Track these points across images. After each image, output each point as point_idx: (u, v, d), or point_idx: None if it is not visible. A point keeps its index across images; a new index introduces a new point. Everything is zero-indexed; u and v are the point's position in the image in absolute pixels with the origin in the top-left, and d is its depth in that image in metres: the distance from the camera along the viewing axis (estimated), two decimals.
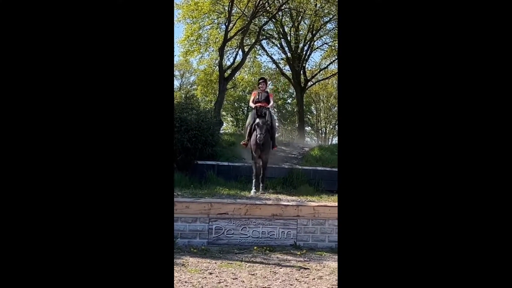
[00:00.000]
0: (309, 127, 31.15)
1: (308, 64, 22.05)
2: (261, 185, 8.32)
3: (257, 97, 8.62)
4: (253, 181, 8.39)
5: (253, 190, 8.17)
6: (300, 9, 18.86)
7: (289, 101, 30.07)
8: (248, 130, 8.51)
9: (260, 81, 9.06)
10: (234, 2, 16.26)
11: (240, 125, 28.83)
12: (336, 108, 30.35)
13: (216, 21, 18.94)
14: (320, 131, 32.33)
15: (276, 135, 9.08)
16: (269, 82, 24.44)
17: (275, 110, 30.58)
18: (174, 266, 4.76)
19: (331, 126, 31.94)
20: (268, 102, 8.57)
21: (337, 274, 5.37)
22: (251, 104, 8.67)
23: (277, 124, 8.53)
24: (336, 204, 7.45)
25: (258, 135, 7.86)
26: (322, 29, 20.60)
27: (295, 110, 25.78)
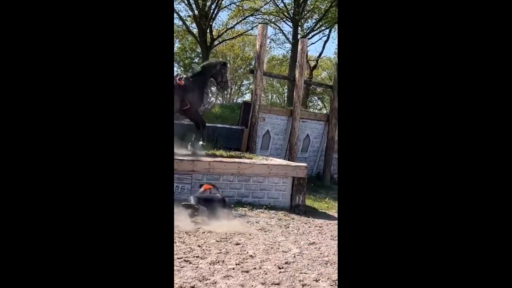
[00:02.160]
0: (214, 87, 31.02)
1: (215, 23, 21.84)
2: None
3: None
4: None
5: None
6: None
7: (196, 60, 29.72)
8: None
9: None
10: None
11: None
12: (242, 69, 30.48)
13: None
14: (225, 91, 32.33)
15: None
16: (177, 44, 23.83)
17: (182, 69, 30.17)
18: None
19: (236, 87, 32.05)
20: None
21: (226, 228, 5.44)
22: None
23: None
24: (231, 160, 7.49)
25: None
26: None
27: None
